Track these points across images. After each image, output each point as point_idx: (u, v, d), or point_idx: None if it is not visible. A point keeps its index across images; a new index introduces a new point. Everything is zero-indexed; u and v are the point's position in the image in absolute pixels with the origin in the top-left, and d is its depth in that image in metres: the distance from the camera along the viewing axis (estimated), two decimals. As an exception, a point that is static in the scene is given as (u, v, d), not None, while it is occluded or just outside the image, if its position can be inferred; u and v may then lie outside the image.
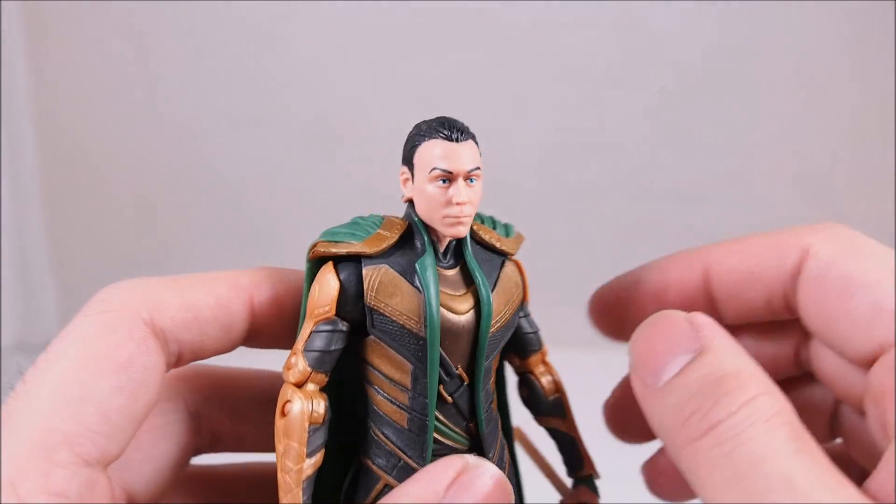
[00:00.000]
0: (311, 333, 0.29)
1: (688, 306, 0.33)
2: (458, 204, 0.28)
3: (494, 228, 0.32)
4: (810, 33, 0.98)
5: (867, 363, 0.28)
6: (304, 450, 0.28)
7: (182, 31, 1.03)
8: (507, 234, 0.32)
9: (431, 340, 0.28)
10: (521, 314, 0.32)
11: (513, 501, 0.28)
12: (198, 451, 0.34)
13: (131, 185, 1.10)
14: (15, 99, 1.05)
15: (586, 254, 0.99)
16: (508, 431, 0.34)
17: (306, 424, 0.28)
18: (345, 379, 0.30)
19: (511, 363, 0.34)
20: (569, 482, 0.34)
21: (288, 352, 0.33)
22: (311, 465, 0.28)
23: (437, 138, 0.28)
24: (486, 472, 0.28)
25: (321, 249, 0.29)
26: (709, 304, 0.34)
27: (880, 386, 0.27)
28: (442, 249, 0.29)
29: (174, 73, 1.05)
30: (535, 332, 0.33)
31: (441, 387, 0.29)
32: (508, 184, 1.02)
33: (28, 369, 0.26)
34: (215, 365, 0.33)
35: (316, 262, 0.30)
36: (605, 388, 0.37)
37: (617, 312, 0.36)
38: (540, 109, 1.01)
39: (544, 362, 0.34)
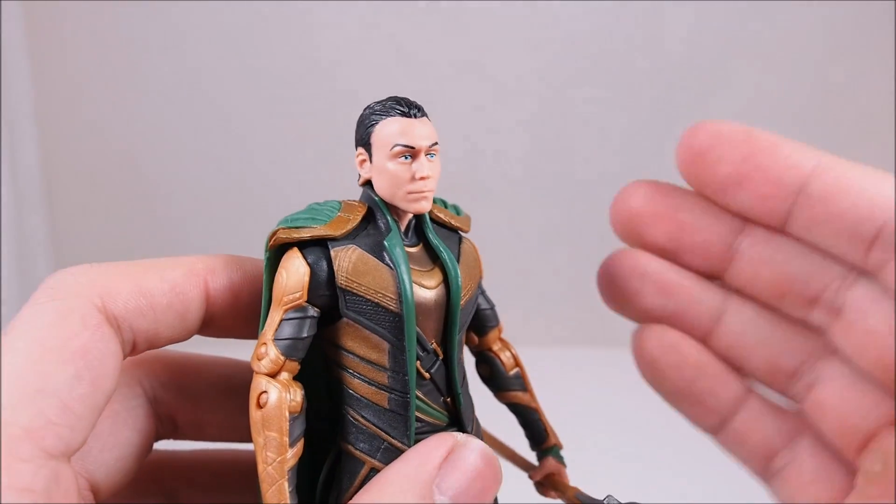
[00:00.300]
0: (280, 321, 0.28)
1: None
2: (421, 179, 0.28)
3: (446, 208, 0.32)
4: (808, 30, 0.97)
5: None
6: (287, 439, 0.27)
7: (182, 29, 1.04)
8: (458, 213, 0.32)
9: (408, 316, 0.28)
10: (478, 290, 0.32)
11: (502, 477, 0.28)
12: (158, 437, 0.33)
13: (133, 184, 1.10)
14: (16, 97, 1.05)
15: (584, 255, 0.98)
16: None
17: (286, 413, 0.28)
18: (305, 367, 0.30)
19: (469, 343, 0.34)
20: (531, 459, 0.35)
21: (244, 342, 0.32)
22: (293, 454, 0.28)
23: (394, 115, 0.29)
24: (475, 450, 0.28)
25: (283, 236, 0.29)
26: (791, 199, 0.34)
27: None
28: (403, 228, 0.30)
29: (176, 71, 1.05)
30: (492, 308, 0.33)
31: (418, 363, 0.29)
32: (507, 184, 1.01)
33: None
34: (172, 350, 0.33)
35: (276, 251, 0.29)
36: (603, 386, 0.37)
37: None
38: (539, 108, 1.00)
39: (501, 339, 0.34)
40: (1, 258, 1.07)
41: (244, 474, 0.36)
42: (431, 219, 0.31)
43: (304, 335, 0.29)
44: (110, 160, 1.09)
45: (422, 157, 0.29)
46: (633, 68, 1.00)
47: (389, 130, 0.29)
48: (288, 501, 0.27)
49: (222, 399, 0.34)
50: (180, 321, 0.30)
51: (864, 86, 0.98)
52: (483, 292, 0.33)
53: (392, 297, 0.28)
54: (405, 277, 0.28)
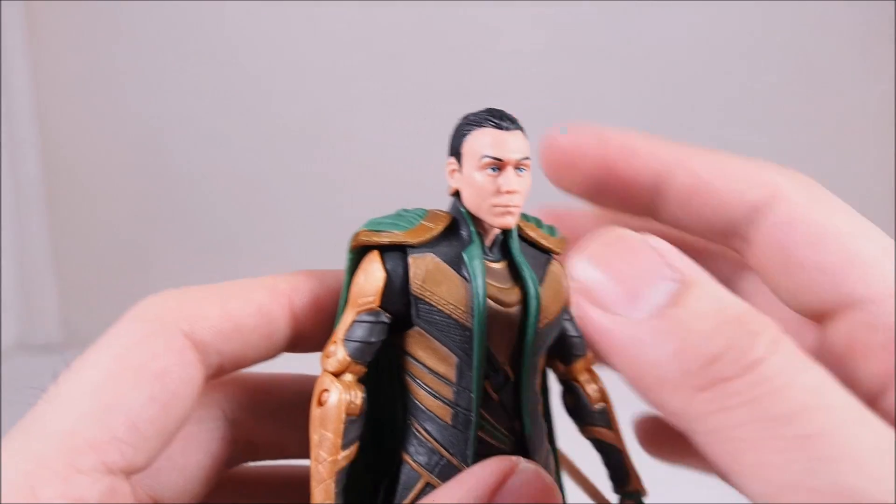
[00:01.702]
0: (352, 323, 0.28)
1: (632, 194, 0.32)
2: (507, 192, 0.28)
3: (540, 227, 0.31)
4: (811, 31, 0.98)
5: (824, 314, 0.27)
6: (340, 441, 0.27)
7: (184, 33, 1.03)
8: (553, 234, 0.31)
9: (479, 331, 0.27)
10: (566, 316, 0.31)
11: None
12: (233, 462, 0.33)
13: (134, 185, 1.09)
14: (16, 98, 1.04)
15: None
16: (552, 441, 0.33)
17: (343, 415, 0.27)
18: (384, 372, 0.30)
19: (555, 370, 0.32)
20: (613, 499, 0.33)
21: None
22: (345, 456, 0.28)
23: (487, 127, 0.28)
24: (534, 477, 0.26)
25: (364, 238, 0.29)
26: (651, 199, 0.32)
27: (854, 340, 0.26)
28: (489, 243, 0.29)
29: (179, 75, 1.05)
30: (580, 337, 0.31)
31: (487, 382, 0.28)
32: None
33: (62, 373, 0.26)
34: (251, 371, 0.33)
35: (358, 252, 0.29)
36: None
37: None
38: (539, 109, 1.00)
39: (588, 370, 0.32)
40: (1, 259, 1.06)
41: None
42: (521, 237, 0.30)
43: (373, 339, 0.28)
44: (112, 161, 1.08)
45: (509, 170, 0.28)
46: (643, 75, 1.00)
47: (480, 141, 0.28)
48: (332, 502, 0.27)
49: (302, 415, 0.34)
50: (267, 341, 0.29)
51: (863, 85, 0.99)
52: (571, 319, 0.31)
53: (464, 310, 0.28)
54: (480, 291, 0.27)
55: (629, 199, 0.32)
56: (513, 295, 0.28)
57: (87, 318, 1.10)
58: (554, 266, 0.30)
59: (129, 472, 0.25)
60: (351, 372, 0.28)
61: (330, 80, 1.03)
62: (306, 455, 0.34)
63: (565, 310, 0.31)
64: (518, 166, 0.28)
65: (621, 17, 0.99)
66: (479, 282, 0.27)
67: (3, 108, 1.03)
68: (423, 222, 0.29)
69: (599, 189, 0.33)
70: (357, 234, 0.29)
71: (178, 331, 0.27)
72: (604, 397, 0.32)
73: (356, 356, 0.28)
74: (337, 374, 0.28)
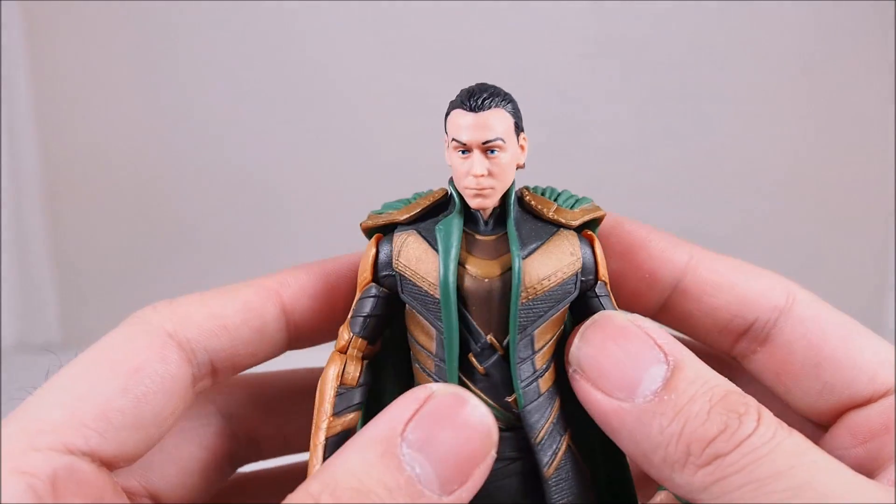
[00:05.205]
0: (356, 302, 0.30)
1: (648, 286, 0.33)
2: (474, 176, 0.28)
3: (556, 199, 0.31)
4: (809, 29, 0.98)
5: (847, 409, 0.30)
6: (330, 408, 0.29)
7: (186, 26, 1.03)
8: (573, 206, 0.30)
9: (445, 303, 0.28)
10: (593, 294, 0.30)
11: (494, 441, 0.26)
12: (238, 459, 0.34)
13: (133, 185, 1.09)
14: (16, 97, 1.04)
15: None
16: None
17: (335, 384, 0.29)
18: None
19: None
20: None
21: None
22: (339, 423, 0.29)
23: (459, 108, 0.28)
24: (448, 396, 0.26)
25: (368, 223, 0.31)
26: (666, 294, 0.33)
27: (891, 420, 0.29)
28: (486, 216, 0.29)
29: (178, 72, 1.04)
30: None
31: (471, 356, 0.29)
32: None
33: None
34: (251, 372, 0.34)
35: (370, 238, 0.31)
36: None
37: None
38: (531, 107, 1.00)
39: None
40: (1, 259, 1.06)
41: None
42: (524, 208, 0.30)
43: (372, 313, 0.30)
44: (112, 160, 1.08)
45: (476, 153, 0.28)
46: (639, 73, 1.00)
47: (453, 122, 0.29)
48: (316, 464, 0.28)
49: (304, 408, 0.34)
50: (258, 337, 0.30)
51: (863, 86, 0.99)
52: (601, 296, 0.30)
53: (433, 282, 0.28)
54: (445, 262, 0.28)
55: (644, 293, 0.33)
56: (494, 267, 0.28)
57: (87, 318, 1.11)
58: (561, 238, 0.29)
59: (94, 458, 0.26)
60: (355, 347, 0.30)
61: (335, 77, 1.03)
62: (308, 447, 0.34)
63: (595, 287, 0.30)
64: (488, 148, 0.28)
65: (621, 14, 0.98)
66: (451, 253, 0.28)
67: (3, 108, 1.03)
68: (419, 199, 0.30)
69: (616, 281, 0.33)
70: (365, 219, 0.31)
71: (162, 331, 0.28)
72: None
73: (357, 331, 0.30)
74: (342, 351, 0.30)
